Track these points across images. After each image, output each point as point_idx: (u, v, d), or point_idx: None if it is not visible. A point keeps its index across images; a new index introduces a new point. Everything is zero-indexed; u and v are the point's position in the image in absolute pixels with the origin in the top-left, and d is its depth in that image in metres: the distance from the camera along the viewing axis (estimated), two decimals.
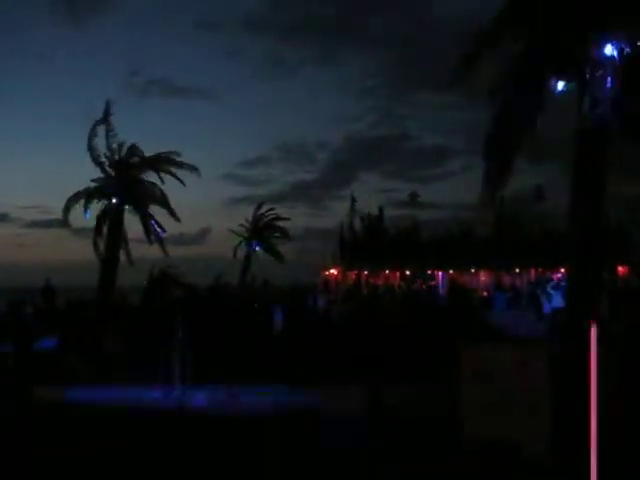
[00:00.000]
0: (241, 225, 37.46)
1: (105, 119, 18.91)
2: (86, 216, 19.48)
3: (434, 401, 11.80)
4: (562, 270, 25.20)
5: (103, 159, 19.32)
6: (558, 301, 17.58)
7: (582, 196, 10.51)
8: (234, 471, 7.84)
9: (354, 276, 35.43)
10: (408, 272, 33.74)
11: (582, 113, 10.11)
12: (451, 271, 33.81)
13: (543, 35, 10.28)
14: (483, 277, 32.94)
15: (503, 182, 11.13)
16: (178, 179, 19.76)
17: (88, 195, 19.46)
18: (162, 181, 19.90)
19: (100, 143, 19.16)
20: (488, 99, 10.90)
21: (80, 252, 19.92)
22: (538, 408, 7.48)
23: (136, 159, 19.60)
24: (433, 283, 29.13)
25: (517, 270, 31.37)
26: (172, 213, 19.99)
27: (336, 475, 7.61)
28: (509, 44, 10.79)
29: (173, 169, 19.71)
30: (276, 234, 38.19)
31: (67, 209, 19.59)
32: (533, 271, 31.04)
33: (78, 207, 19.57)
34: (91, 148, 19.18)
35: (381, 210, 39.73)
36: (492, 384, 7.80)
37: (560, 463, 7.21)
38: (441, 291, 28.45)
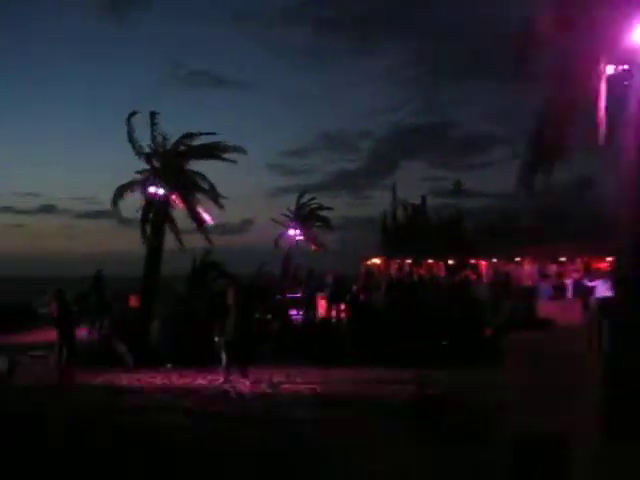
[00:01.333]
0: (284, 215, 37.58)
1: (150, 112, 19.07)
2: (133, 207, 19.70)
3: (478, 389, 11.74)
4: (608, 259, 24.69)
5: (147, 150, 19.47)
6: (602, 291, 17.26)
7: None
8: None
9: (397, 266, 35.29)
10: (451, 261, 33.47)
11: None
12: (495, 260, 33.47)
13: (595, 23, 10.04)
14: (528, 266, 32.46)
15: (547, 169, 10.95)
16: (229, 161, 19.82)
17: (135, 186, 19.69)
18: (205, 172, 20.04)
19: (145, 134, 19.33)
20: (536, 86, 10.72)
21: (127, 242, 20.22)
22: (586, 398, 7.32)
23: (182, 148, 19.71)
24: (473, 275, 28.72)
25: (563, 259, 30.86)
26: (217, 202, 20.07)
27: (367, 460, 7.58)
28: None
29: (220, 154, 19.77)
30: (318, 224, 38.20)
31: (115, 200, 19.85)
32: (579, 260, 30.51)
33: (125, 198, 19.83)
34: (132, 140, 19.36)
35: (424, 199, 39.55)
36: (538, 373, 7.67)
37: (610, 456, 7.07)
38: (485, 281, 28.12)
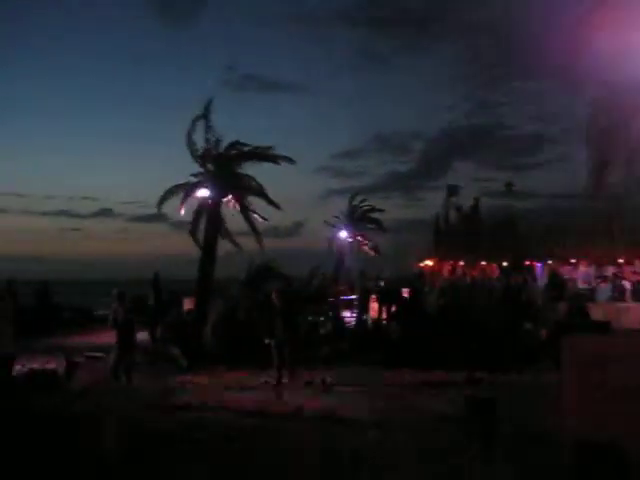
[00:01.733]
0: (335, 217, 37.59)
1: (204, 115, 19.28)
2: (181, 210, 19.87)
3: (533, 391, 11.56)
4: None
5: (202, 153, 19.66)
6: None
7: None
8: None
9: (450, 268, 34.97)
10: (505, 263, 33.01)
11: None
12: (550, 262, 32.90)
13: None
14: (584, 268, 31.81)
15: (607, 170, 10.74)
16: (278, 163, 19.94)
17: (186, 189, 19.87)
18: (257, 175, 20.19)
19: (198, 138, 19.53)
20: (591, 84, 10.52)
21: (179, 245, 20.46)
22: None
23: (234, 152, 19.87)
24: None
25: (621, 261, 30.15)
26: (271, 202, 20.13)
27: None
28: None
29: (270, 161, 19.91)
30: (371, 226, 38.09)
31: (162, 203, 20.06)
32: (638, 262, 29.76)
33: (176, 201, 20.02)
34: (190, 143, 19.57)
35: (477, 200, 39.09)
36: (596, 377, 7.47)
37: None
38: (539, 283, 27.64)
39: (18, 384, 9.52)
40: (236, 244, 20.32)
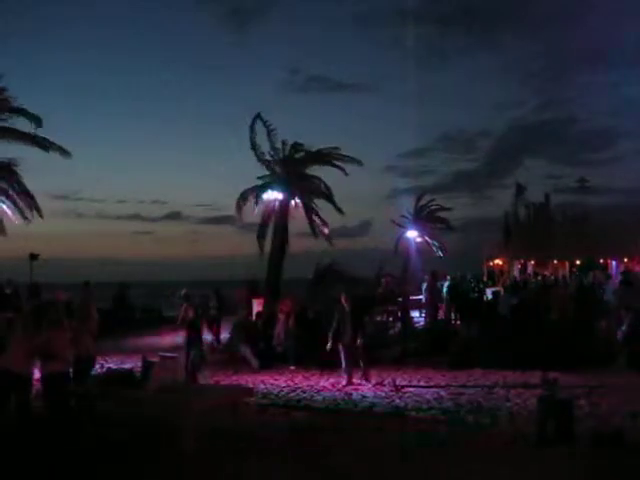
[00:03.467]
0: (403, 216, 37.43)
1: (254, 122, 19.46)
2: (254, 212, 20.15)
3: (610, 397, 11.26)
4: None
5: (268, 157, 19.87)
6: None
7: None
8: None
9: (520, 266, 34.42)
10: (578, 262, 32.29)
11: None
12: (625, 259, 32.02)
13: None
14: None
15: None
16: (341, 169, 19.97)
17: (255, 192, 20.13)
18: (327, 177, 20.30)
19: (264, 141, 19.74)
20: None
21: (248, 246, 20.65)
22: None
23: (301, 154, 20.02)
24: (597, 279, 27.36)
25: None
26: (336, 206, 20.26)
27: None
28: None
29: (337, 162, 19.97)
30: (439, 225, 37.80)
31: (239, 206, 20.37)
32: None
33: (247, 204, 20.32)
34: (254, 147, 19.79)
35: (547, 197, 38.39)
36: None
37: None
38: (614, 281, 26.91)
39: (99, 384, 9.76)
40: (284, 251, 20.43)
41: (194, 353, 14.58)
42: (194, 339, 14.78)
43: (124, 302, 28.05)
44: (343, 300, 14.18)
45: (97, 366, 15.16)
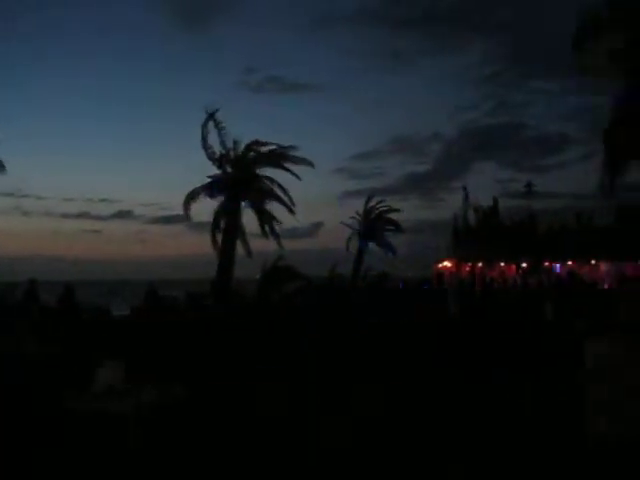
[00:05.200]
0: (353, 218, 37.58)
1: (211, 115, 19.23)
2: (204, 211, 19.99)
3: (555, 396, 11.50)
4: None
5: (218, 156, 19.69)
6: None
7: None
8: None
9: (468, 269, 34.89)
10: (524, 264, 32.90)
11: None
12: (570, 263, 32.75)
13: None
14: (604, 268, 31.64)
15: (624, 168, 10.70)
16: (294, 174, 19.93)
17: (205, 191, 19.96)
18: (278, 176, 20.21)
19: (215, 141, 19.56)
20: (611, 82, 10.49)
21: (197, 246, 20.54)
22: None
23: (252, 154, 19.90)
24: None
25: None
26: (288, 208, 20.20)
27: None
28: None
29: (288, 164, 19.89)
30: (388, 227, 38.01)
31: (187, 205, 20.18)
32: None
33: (196, 203, 20.13)
34: (206, 146, 19.60)
35: (496, 201, 39.02)
36: (619, 379, 7.41)
37: None
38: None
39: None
40: (249, 253, 20.39)
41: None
42: None
43: (69, 300, 27.49)
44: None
45: None
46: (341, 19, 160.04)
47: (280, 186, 20.17)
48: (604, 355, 7.64)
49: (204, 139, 19.50)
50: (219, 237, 20.01)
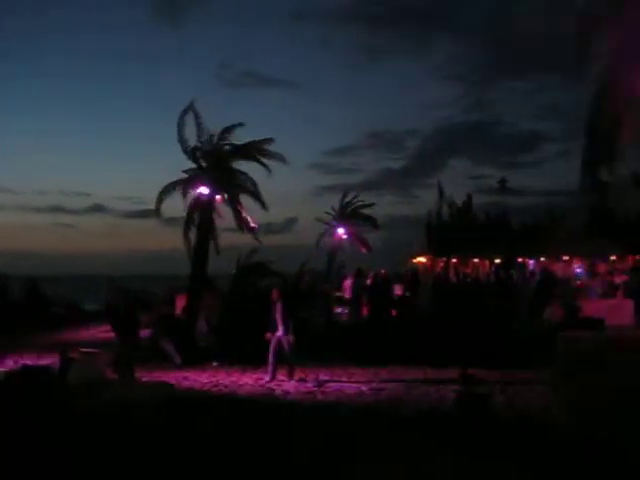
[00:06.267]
0: (327, 213, 37.55)
1: (187, 110, 19.08)
2: (179, 206, 19.76)
3: (525, 391, 11.60)
4: None
5: (194, 150, 19.52)
6: None
7: None
8: None
9: (442, 264, 35.02)
10: (498, 260, 33.09)
11: None
12: (542, 259, 33.01)
13: None
14: (576, 265, 31.93)
15: (604, 166, 10.78)
16: (266, 167, 19.79)
17: (180, 186, 19.79)
18: (252, 171, 20.07)
19: (191, 134, 19.39)
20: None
21: (172, 241, 20.36)
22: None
23: (228, 147, 19.74)
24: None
25: (613, 258, 30.29)
26: (262, 203, 20.10)
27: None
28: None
29: (263, 158, 19.73)
30: (363, 222, 38.01)
31: (160, 200, 20.01)
32: (631, 258, 29.91)
33: (170, 198, 19.97)
34: (182, 139, 19.43)
35: (469, 197, 39.21)
36: (589, 373, 7.45)
37: None
38: (532, 279, 27.75)
39: (12, 382, 9.44)
40: (217, 250, 20.21)
41: (121, 348, 14.08)
42: (121, 334, 14.25)
43: (35, 295, 27.21)
44: (275, 295, 14.14)
45: (11, 362, 14.75)
46: (316, 15, 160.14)
47: (253, 182, 20.05)
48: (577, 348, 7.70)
49: (180, 133, 19.35)
50: (192, 232, 19.84)
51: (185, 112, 19.17)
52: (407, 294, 23.67)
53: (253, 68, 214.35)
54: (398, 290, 23.88)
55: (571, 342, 7.73)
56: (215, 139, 19.56)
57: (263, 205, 20.12)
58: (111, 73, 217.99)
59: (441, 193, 38.16)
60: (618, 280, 23.94)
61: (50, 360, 14.19)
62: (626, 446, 6.68)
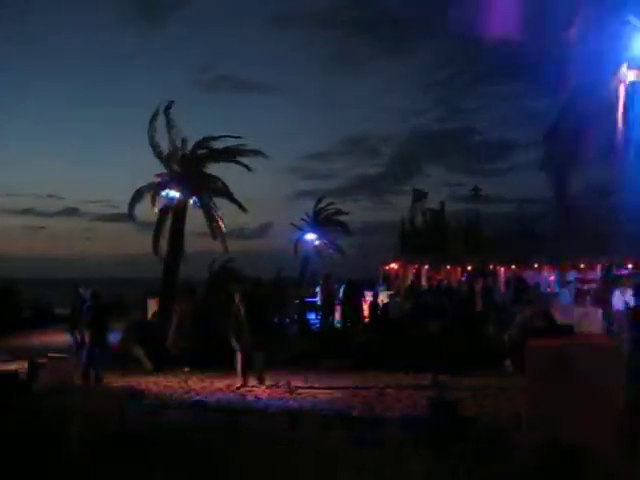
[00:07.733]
0: (302, 219, 37.63)
1: (158, 113, 18.93)
2: (154, 210, 19.54)
3: (496, 398, 11.68)
4: (630, 266, 24.48)
5: (166, 155, 19.41)
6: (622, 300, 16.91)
7: None
8: None
9: (414, 271, 35.13)
10: (469, 267, 33.26)
11: None
12: (513, 266, 33.22)
13: None
14: (547, 272, 32.19)
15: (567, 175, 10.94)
16: (246, 167, 19.59)
17: (152, 190, 19.63)
18: (227, 176, 19.97)
19: (163, 139, 19.27)
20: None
21: (144, 245, 20.15)
22: (610, 409, 7.16)
23: (203, 152, 19.61)
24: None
25: (582, 265, 30.57)
26: (238, 204, 19.94)
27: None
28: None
29: (241, 158, 19.52)
30: (336, 228, 38.16)
31: (132, 204, 19.85)
32: (599, 266, 30.21)
33: (143, 202, 19.79)
34: (153, 144, 19.30)
35: (442, 204, 39.43)
36: (559, 381, 7.51)
37: (633, 470, 6.92)
38: (503, 287, 27.98)
39: None
40: (182, 249, 20.01)
41: (89, 353, 13.76)
42: (90, 339, 13.92)
43: (8, 300, 26.89)
44: (237, 300, 14.09)
45: None
46: (295, 20, 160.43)
47: (224, 185, 19.92)
48: (545, 355, 7.76)
49: (151, 136, 19.22)
50: (163, 237, 19.67)
51: (155, 117, 19.03)
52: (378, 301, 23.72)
53: (231, 72, 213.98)
54: (369, 296, 23.95)
55: (540, 349, 7.79)
56: (191, 146, 19.43)
57: (240, 206, 20.00)
58: (87, 75, 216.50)
59: (415, 199, 38.34)
60: (587, 287, 24.23)
61: (19, 365, 14.01)
62: (593, 451, 6.77)
